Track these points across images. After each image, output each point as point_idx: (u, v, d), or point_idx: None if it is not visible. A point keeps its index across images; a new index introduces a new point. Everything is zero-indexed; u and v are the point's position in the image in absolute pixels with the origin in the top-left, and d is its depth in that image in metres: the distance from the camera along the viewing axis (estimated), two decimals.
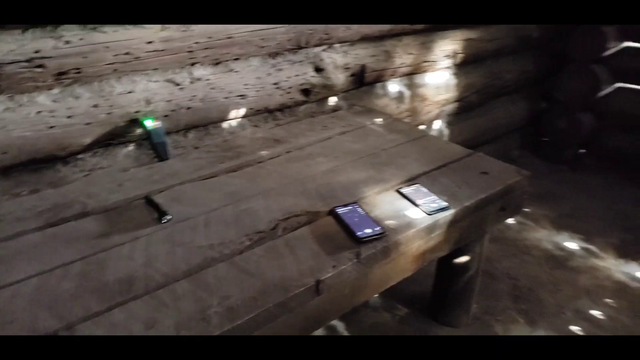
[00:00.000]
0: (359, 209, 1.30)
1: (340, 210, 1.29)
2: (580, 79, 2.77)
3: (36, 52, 1.36)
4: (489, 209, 1.44)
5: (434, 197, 1.36)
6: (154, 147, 1.64)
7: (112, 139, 1.61)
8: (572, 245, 2.34)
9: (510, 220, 2.43)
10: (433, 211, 1.30)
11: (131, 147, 1.68)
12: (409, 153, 1.69)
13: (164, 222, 1.29)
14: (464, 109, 2.69)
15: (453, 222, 1.33)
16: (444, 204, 1.33)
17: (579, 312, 1.95)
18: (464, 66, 2.60)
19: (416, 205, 1.33)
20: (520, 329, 1.86)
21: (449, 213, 1.31)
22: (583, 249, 2.31)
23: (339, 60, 2.08)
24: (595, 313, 1.94)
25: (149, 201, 1.38)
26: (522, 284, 2.10)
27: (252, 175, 1.56)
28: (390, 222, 1.26)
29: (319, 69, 2.04)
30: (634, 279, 2.12)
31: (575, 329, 1.86)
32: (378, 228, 1.22)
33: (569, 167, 3.00)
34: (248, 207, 1.36)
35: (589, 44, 2.67)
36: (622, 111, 2.79)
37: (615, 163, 2.92)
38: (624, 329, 1.86)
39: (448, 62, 2.49)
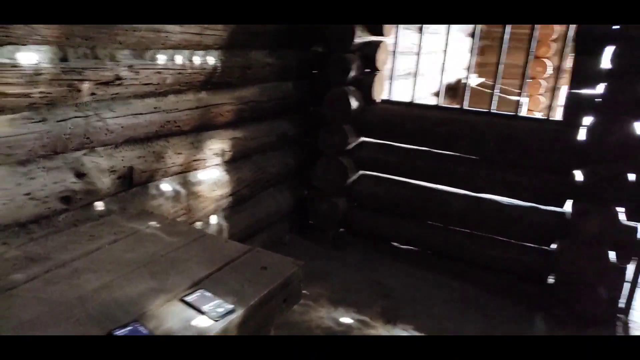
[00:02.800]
0: (141, 328, 1.20)
1: (119, 333, 1.18)
2: (332, 169, 3.22)
3: None
4: (272, 303, 1.50)
5: (218, 300, 1.36)
6: None
7: None
8: (348, 319, 2.58)
9: None
10: (219, 316, 1.29)
11: None
12: (189, 256, 1.66)
13: None
14: (237, 202, 2.82)
15: (241, 324, 1.34)
16: (230, 306, 1.34)
17: None
18: (233, 162, 2.75)
19: (202, 312, 1.30)
20: None
21: (236, 315, 1.32)
22: (357, 320, 2.57)
23: (103, 163, 1.97)
24: None
25: None
26: None
27: (2, 308, 1.30)
28: None
29: (80, 174, 1.89)
30: None
31: None
32: None
33: (332, 245, 3.38)
34: None
35: (334, 140, 3.15)
36: (366, 194, 3.32)
37: (368, 238, 3.41)
38: None
39: (218, 160, 2.61)
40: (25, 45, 1.52)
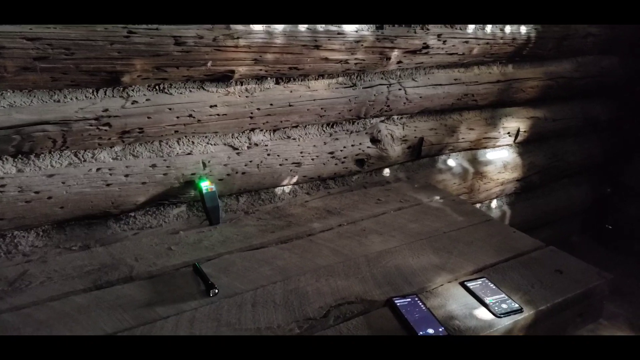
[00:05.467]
0: (420, 303, 1.18)
1: (399, 302, 1.18)
2: None
3: (104, 110, 1.37)
4: (566, 314, 1.29)
5: (503, 295, 1.23)
6: (206, 211, 1.60)
7: (165, 199, 1.58)
8: None
9: None
10: (504, 313, 1.16)
11: (183, 207, 1.65)
12: (472, 239, 1.57)
13: (211, 297, 1.21)
14: (524, 190, 2.56)
15: (528, 328, 1.19)
16: (516, 305, 1.19)
17: None
18: (526, 145, 2.49)
19: (484, 304, 1.20)
20: None
21: (522, 317, 1.17)
22: None
23: (396, 132, 2.03)
24: None
25: (197, 271, 1.31)
26: None
27: (303, 249, 1.48)
28: (455, 323, 1.14)
29: (375, 140, 1.99)
30: None
31: None
32: (441, 329, 1.09)
33: (638, 260, 2.77)
34: (297, 287, 1.27)
35: None
36: None
37: None
38: None
39: (510, 140, 2.39)
40: None
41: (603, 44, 2.43)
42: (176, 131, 1.52)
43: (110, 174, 1.44)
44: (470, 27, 1.93)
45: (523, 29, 2.08)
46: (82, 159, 1.41)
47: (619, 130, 2.82)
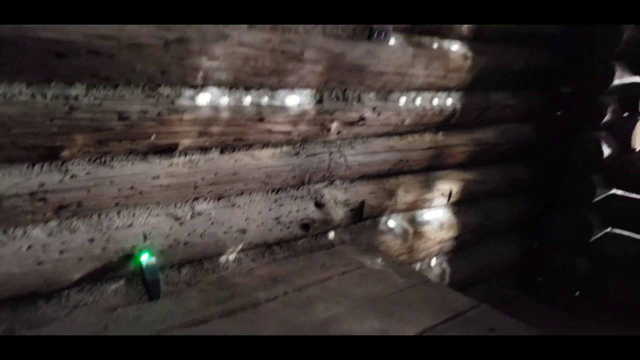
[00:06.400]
0: None
1: None
2: (572, 223, 2.83)
3: (41, 185, 1.33)
4: None
5: None
6: (145, 284, 1.55)
7: (103, 274, 1.52)
8: None
9: None
10: None
11: (121, 282, 1.59)
12: (412, 301, 1.62)
13: None
14: (459, 248, 2.68)
15: None
16: None
17: None
18: (459, 205, 2.64)
19: None
20: None
21: None
22: None
23: (339, 196, 2.10)
24: None
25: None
26: None
27: (247, 322, 1.46)
28: None
29: (319, 205, 2.04)
30: None
31: None
32: None
33: (566, 310, 2.93)
34: None
35: (579, 190, 2.77)
36: (613, 256, 2.80)
37: (613, 308, 2.86)
38: None
39: (444, 201, 2.53)
40: (293, 89, 1.72)
41: (520, 113, 2.69)
42: (117, 204, 1.49)
43: (44, 252, 1.38)
44: (402, 100, 2.07)
45: (449, 101, 2.27)
46: (12, 237, 1.35)
47: (540, 189, 3.06)
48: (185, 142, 1.53)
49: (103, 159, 1.44)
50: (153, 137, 1.45)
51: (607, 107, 2.65)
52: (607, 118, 2.65)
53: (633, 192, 2.78)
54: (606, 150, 2.68)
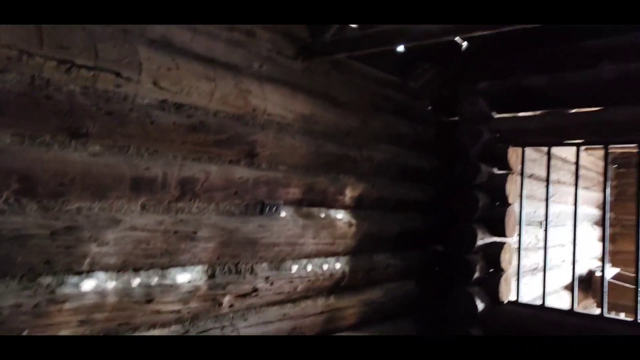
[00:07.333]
0: None
1: None
2: None
3: None
4: None
5: None
6: None
7: None
8: None
9: None
10: None
11: None
12: None
13: None
14: None
15: None
16: None
17: None
18: None
19: None
20: None
21: None
22: None
23: None
24: None
25: None
26: None
27: None
28: None
29: None
30: None
31: None
32: None
33: None
34: None
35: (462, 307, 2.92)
36: None
37: None
38: None
39: None
40: (184, 266, 1.71)
41: (401, 271, 2.90)
42: None
43: None
44: (294, 268, 2.15)
45: (338, 265, 2.39)
46: None
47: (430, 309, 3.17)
48: (62, 333, 1.41)
49: None
50: (25, 332, 1.31)
51: (475, 265, 2.96)
52: (476, 275, 2.95)
53: None
54: (480, 305, 2.92)
